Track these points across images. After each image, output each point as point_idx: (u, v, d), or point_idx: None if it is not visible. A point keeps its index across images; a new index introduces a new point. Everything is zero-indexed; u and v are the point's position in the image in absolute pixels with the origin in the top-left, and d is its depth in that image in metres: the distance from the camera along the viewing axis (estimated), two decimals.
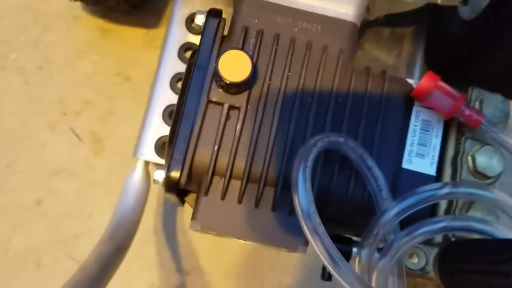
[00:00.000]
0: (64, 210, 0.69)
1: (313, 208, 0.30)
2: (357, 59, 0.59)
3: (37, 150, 0.69)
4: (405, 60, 0.63)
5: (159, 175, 0.37)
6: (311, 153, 0.31)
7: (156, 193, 0.70)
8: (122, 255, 0.47)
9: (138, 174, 0.52)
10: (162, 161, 0.49)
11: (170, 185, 0.34)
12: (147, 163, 0.53)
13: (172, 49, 0.53)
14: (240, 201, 0.34)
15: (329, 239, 0.30)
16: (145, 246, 0.69)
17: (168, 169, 0.33)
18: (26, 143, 0.69)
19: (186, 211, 0.71)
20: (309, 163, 0.31)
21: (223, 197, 0.34)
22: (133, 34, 0.74)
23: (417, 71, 0.62)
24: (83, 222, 0.69)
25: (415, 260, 0.33)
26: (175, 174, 0.33)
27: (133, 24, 0.74)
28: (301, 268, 0.70)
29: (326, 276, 0.39)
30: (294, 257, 0.69)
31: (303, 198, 0.30)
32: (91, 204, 0.69)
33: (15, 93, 0.71)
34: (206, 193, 0.34)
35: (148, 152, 0.51)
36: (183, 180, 0.33)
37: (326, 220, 0.34)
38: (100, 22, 0.74)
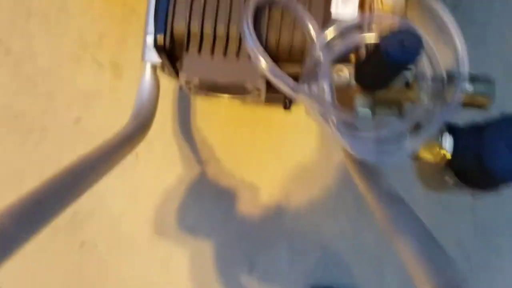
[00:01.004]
0: (99, 125, 0.84)
1: (259, 47, 0.43)
2: None
3: (68, 78, 0.84)
4: None
5: (149, 40, 0.50)
6: (251, 7, 0.44)
7: (172, 104, 0.85)
8: (144, 131, 0.61)
9: (147, 73, 0.66)
10: None
11: (158, 47, 0.47)
12: (154, 66, 0.66)
13: None
14: (212, 53, 0.47)
15: (276, 67, 0.43)
16: (169, 147, 0.84)
17: (155, 34, 0.46)
18: (58, 74, 0.84)
19: (197, 115, 0.85)
20: (250, 13, 0.43)
21: (199, 52, 0.47)
22: None
23: None
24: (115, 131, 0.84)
25: (341, 74, 0.45)
26: (160, 37, 0.46)
27: None
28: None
29: (287, 105, 0.52)
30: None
31: (249, 40, 0.43)
32: (120, 117, 0.84)
33: (42, 34, 0.85)
34: (187, 51, 0.47)
35: (153, 55, 0.64)
36: (167, 42, 0.46)
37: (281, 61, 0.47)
38: None
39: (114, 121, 0.84)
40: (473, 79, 0.45)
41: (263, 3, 0.45)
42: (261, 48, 0.43)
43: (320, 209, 0.82)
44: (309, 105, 0.45)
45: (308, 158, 0.83)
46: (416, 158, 0.48)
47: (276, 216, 0.82)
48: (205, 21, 0.46)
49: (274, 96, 0.50)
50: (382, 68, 0.39)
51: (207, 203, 0.82)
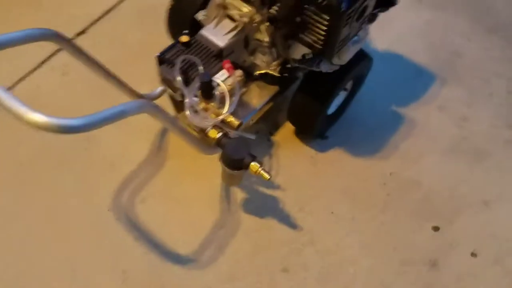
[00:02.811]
0: None
1: (179, 78, 1.23)
2: None
3: None
4: None
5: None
6: (177, 66, 1.25)
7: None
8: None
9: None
10: None
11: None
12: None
13: None
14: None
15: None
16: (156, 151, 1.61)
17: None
18: None
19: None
20: (177, 70, 1.25)
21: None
22: None
23: None
24: None
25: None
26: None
27: None
28: None
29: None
30: None
31: (177, 77, 1.24)
32: None
33: None
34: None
35: None
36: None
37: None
38: None
39: None
40: None
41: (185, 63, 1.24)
42: (179, 78, 1.22)
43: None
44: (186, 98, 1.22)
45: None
46: (206, 135, 1.20)
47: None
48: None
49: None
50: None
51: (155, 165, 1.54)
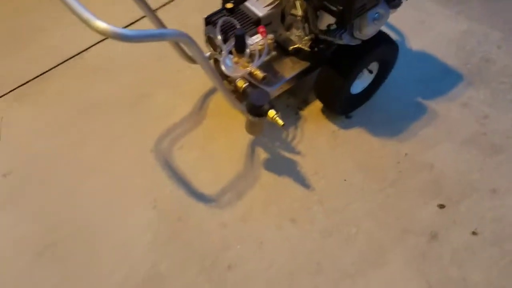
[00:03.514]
0: None
1: (220, 36, 1.46)
2: None
3: None
4: None
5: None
6: (219, 26, 1.48)
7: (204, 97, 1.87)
8: None
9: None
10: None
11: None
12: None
13: None
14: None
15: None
16: (198, 107, 1.85)
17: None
18: None
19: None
20: (219, 29, 1.48)
21: None
22: None
23: None
24: None
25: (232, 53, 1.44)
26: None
27: None
28: None
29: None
30: None
31: (218, 36, 1.47)
32: None
33: None
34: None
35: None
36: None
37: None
38: None
39: None
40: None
41: (225, 23, 1.48)
42: (220, 36, 1.46)
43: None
44: (223, 51, 1.44)
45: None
46: (236, 85, 1.42)
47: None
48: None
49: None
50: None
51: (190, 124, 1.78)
